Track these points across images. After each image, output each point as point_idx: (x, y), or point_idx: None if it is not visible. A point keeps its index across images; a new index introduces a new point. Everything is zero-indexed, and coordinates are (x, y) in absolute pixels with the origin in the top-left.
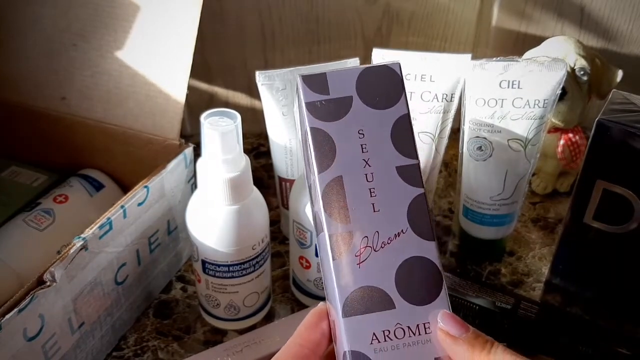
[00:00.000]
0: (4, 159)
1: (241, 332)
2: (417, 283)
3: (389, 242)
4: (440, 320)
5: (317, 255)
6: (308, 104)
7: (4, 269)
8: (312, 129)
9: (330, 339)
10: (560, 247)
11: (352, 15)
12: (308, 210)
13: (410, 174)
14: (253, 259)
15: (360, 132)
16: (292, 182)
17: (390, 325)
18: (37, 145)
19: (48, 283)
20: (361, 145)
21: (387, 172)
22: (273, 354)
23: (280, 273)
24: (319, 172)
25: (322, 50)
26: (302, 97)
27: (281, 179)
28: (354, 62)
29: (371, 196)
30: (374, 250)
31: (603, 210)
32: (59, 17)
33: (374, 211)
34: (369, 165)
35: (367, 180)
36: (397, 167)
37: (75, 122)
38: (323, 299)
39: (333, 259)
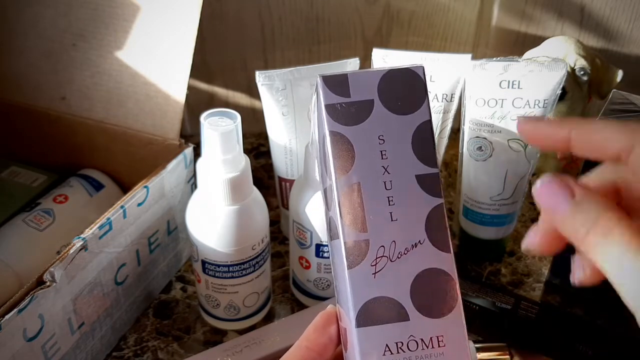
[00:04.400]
0: (4, 159)
1: (241, 332)
2: (433, 295)
3: (406, 252)
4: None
5: (317, 255)
6: (328, 106)
7: (3, 269)
8: (331, 132)
9: (338, 342)
10: None
11: (352, 15)
12: (308, 210)
13: (430, 183)
14: (253, 259)
15: (380, 137)
16: (292, 182)
17: (403, 337)
18: (37, 145)
19: (48, 283)
20: (381, 151)
21: (407, 181)
22: (273, 354)
23: (280, 273)
24: (337, 177)
25: (322, 50)
26: (321, 98)
27: (281, 179)
28: (354, 62)
29: (389, 204)
30: (390, 261)
31: None
32: (59, 17)
33: (392, 220)
34: (388, 173)
35: (386, 188)
36: (417, 176)
37: (75, 122)
38: (323, 298)
39: (348, 268)
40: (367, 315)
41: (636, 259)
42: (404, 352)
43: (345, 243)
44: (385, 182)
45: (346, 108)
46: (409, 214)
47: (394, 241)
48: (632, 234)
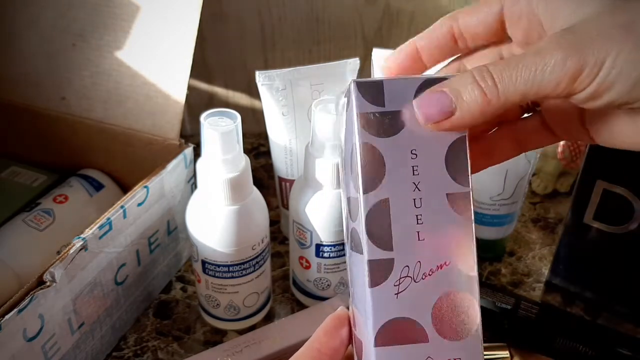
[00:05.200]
0: (4, 159)
1: (241, 332)
2: (453, 317)
3: (431, 274)
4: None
5: (317, 255)
6: (361, 115)
7: (3, 269)
8: (362, 144)
9: (349, 344)
10: (560, 247)
11: (352, 15)
12: (308, 210)
13: (461, 202)
14: (253, 259)
15: (413, 152)
16: (292, 182)
17: (420, 358)
18: (37, 145)
19: (48, 283)
20: (412, 167)
21: (437, 199)
22: (273, 354)
23: (280, 273)
24: (365, 191)
25: (322, 50)
26: (354, 106)
27: (281, 179)
28: (354, 62)
29: (417, 223)
30: (414, 281)
31: (603, 210)
32: (59, 17)
33: (418, 239)
34: (419, 190)
35: (415, 206)
36: (448, 194)
37: (75, 122)
38: (323, 298)
39: (370, 286)
40: (387, 335)
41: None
42: None
43: (369, 261)
44: (415, 200)
45: (380, 118)
46: (437, 234)
47: (419, 262)
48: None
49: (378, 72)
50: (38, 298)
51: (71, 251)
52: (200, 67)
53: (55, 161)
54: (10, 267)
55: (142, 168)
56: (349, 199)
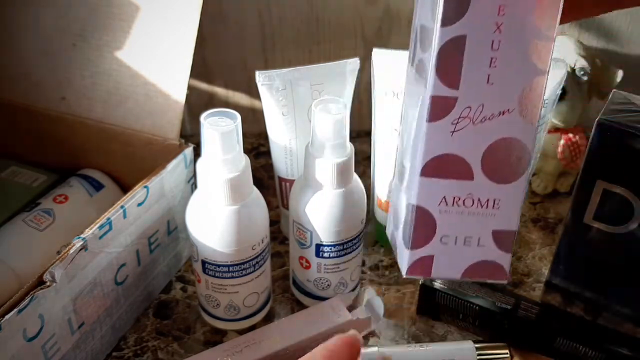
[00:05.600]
0: (4, 159)
1: (241, 332)
2: (503, 162)
3: (491, 118)
4: None
5: (317, 255)
6: None
7: (3, 269)
8: None
9: None
10: (560, 247)
11: (352, 15)
12: (308, 210)
13: (542, 52)
14: (253, 259)
15: None
16: (292, 182)
17: (462, 194)
18: (37, 145)
19: (48, 283)
20: (500, 5)
21: (517, 44)
22: (273, 354)
23: (280, 273)
24: (443, 24)
25: (322, 50)
26: None
27: (281, 179)
28: (354, 62)
29: (490, 66)
30: (472, 123)
31: (603, 210)
32: (59, 17)
33: (487, 83)
34: (500, 32)
35: (492, 48)
36: (530, 41)
37: (75, 122)
38: (323, 298)
39: (428, 121)
40: (434, 167)
41: None
42: (458, 206)
43: (432, 97)
44: (493, 41)
45: None
46: (507, 80)
47: (483, 104)
48: None
49: (378, 72)
50: (38, 298)
51: (71, 251)
52: (200, 67)
53: (55, 161)
54: (10, 267)
55: (142, 168)
56: (421, 27)
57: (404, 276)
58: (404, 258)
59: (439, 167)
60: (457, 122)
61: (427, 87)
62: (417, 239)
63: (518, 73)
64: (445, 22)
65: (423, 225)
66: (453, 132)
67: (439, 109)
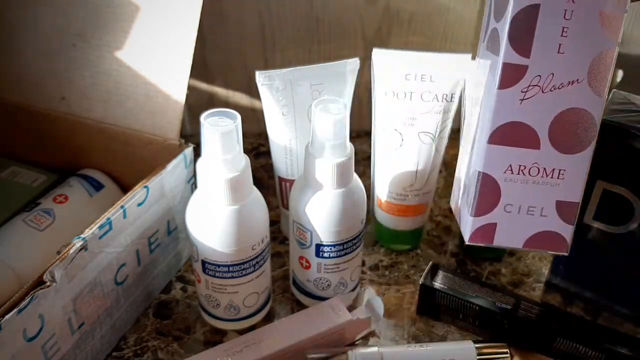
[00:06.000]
0: (4, 159)
1: (241, 332)
2: (570, 133)
3: (561, 87)
4: None
5: (317, 255)
6: None
7: (3, 269)
8: None
9: None
10: None
11: (352, 15)
12: (308, 210)
13: (613, 23)
14: (253, 259)
15: None
16: (292, 182)
17: (527, 162)
18: (37, 145)
19: (48, 283)
20: None
21: (589, 15)
22: (273, 354)
23: (280, 273)
24: None
25: (322, 50)
26: None
27: (281, 179)
28: (354, 62)
29: (561, 35)
30: (542, 92)
31: (603, 210)
32: (58, 17)
33: (558, 52)
34: (573, 2)
35: (565, 18)
36: (602, 12)
37: (75, 122)
38: (323, 298)
39: (498, 88)
40: (501, 135)
41: None
42: (524, 175)
43: (503, 64)
44: (566, 11)
45: None
46: (578, 50)
47: (553, 73)
48: None
49: (378, 72)
50: (38, 298)
51: (71, 251)
52: (200, 67)
53: (55, 161)
54: (10, 267)
55: (142, 168)
56: None
57: (467, 243)
58: (467, 225)
59: (506, 135)
60: (527, 90)
61: (499, 54)
62: (481, 206)
63: (589, 43)
64: None
65: (488, 192)
66: (522, 100)
67: (509, 76)
